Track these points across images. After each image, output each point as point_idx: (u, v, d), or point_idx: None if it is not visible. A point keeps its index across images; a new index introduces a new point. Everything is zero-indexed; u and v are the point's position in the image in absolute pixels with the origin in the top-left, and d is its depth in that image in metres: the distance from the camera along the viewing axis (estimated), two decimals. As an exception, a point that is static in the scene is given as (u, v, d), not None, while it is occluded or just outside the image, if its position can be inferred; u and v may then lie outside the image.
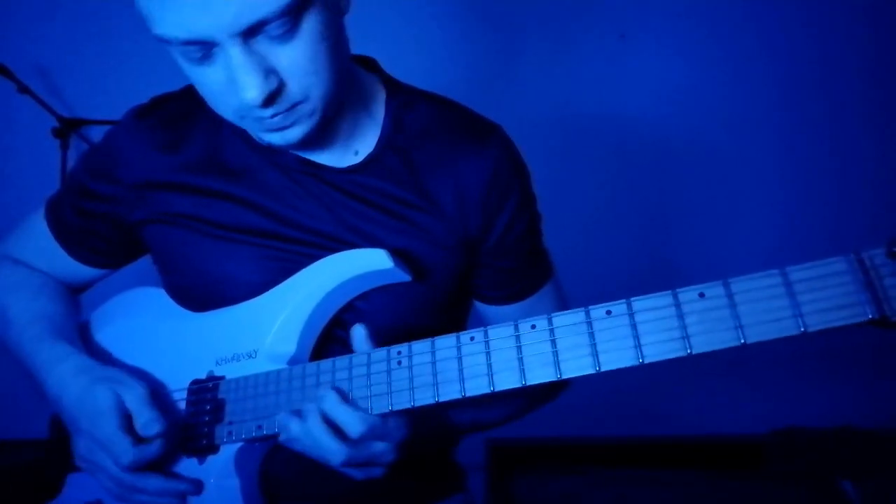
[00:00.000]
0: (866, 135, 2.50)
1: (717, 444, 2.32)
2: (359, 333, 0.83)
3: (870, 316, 0.62)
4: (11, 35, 2.58)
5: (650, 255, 2.57)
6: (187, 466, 0.89)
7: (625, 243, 2.58)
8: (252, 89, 0.73)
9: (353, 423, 0.77)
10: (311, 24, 0.74)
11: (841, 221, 2.41)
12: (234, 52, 0.72)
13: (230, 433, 0.86)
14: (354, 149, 0.94)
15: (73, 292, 1.11)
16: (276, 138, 0.82)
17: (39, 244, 1.05)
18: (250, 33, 0.71)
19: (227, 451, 0.87)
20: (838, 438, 2.01)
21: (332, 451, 0.77)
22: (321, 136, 0.89)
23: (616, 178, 2.61)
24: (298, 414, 0.80)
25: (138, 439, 0.84)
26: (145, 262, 1.06)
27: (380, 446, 0.80)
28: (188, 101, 0.97)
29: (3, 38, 2.55)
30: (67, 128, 2.39)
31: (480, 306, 1.04)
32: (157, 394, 0.90)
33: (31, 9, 2.59)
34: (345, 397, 0.79)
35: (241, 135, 0.94)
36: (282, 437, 0.81)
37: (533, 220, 0.99)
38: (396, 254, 0.88)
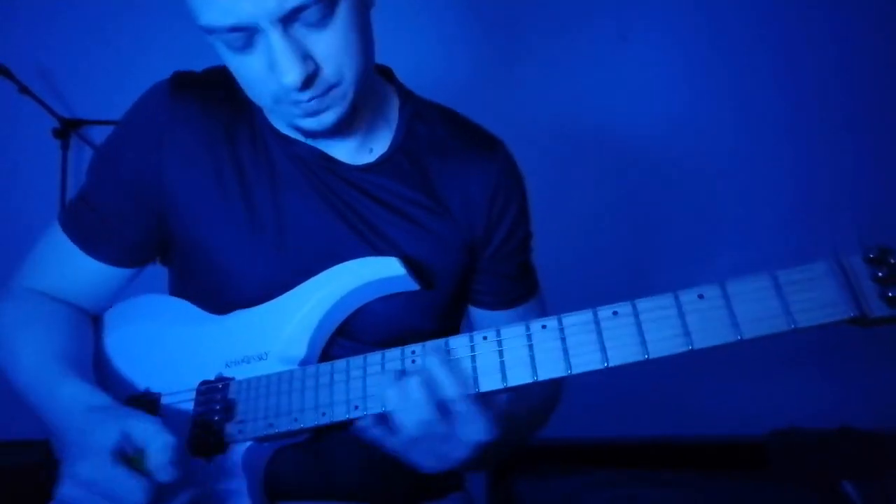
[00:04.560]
0: (869, 139, 2.51)
1: (717, 444, 2.32)
2: None
3: (851, 314, 0.69)
4: (11, 35, 2.57)
5: (650, 257, 2.57)
6: (194, 466, 0.89)
7: (625, 246, 2.58)
8: (291, 73, 0.77)
9: (450, 385, 0.76)
10: (344, 12, 0.79)
11: (840, 224, 2.41)
12: (275, 37, 0.76)
13: (241, 431, 0.87)
14: (369, 147, 0.98)
15: (92, 313, 1.06)
16: (311, 122, 0.86)
17: (55, 261, 1.02)
18: (289, 19, 0.76)
19: (235, 452, 0.88)
20: (839, 438, 2.01)
21: (421, 405, 0.76)
22: (346, 126, 0.91)
23: (617, 180, 2.61)
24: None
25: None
26: (152, 271, 1.06)
27: (461, 433, 0.78)
28: (220, 84, 0.97)
29: (3, 39, 2.55)
30: (67, 128, 2.39)
31: (472, 311, 1.09)
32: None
33: (32, 9, 2.59)
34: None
35: (260, 128, 0.96)
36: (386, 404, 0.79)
37: (528, 234, 1.06)
38: (407, 261, 0.91)
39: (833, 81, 2.52)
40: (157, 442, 0.75)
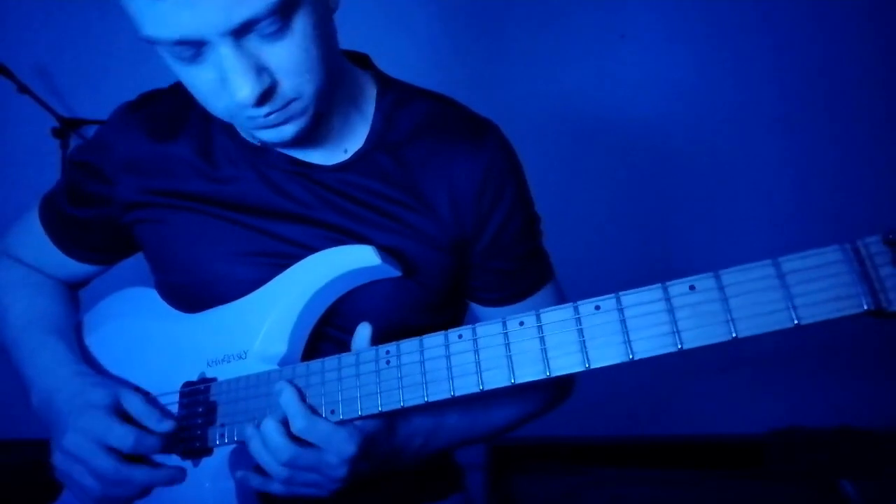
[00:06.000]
0: (867, 133, 2.50)
1: (717, 444, 2.31)
2: (362, 333, 0.83)
3: (865, 307, 0.61)
4: (11, 35, 2.58)
5: (651, 254, 2.56)
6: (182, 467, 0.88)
7: (625, 242, 2.58)
8: (244, 89, 0.72)
9: (297, 417, 0.78)
10: (301, 23, 0.73)
11: (842, 221, 2.41)
12: (226, 52, 0.70)
13: (222, 435, 0.85)
14: (344, 147, 0.93)
15: (72, 288, 1.12)
16: (270, 135, 0.81)
17: (35, 242, 1.06)
18: (241, 32, 0.70)
19: (221, 453, 0.86)
20: (838, 438, 2.01)
21: (279, 447, 0.77)
22: (313, 133, 0.87)
23: (616, 177, 2.61)
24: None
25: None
26: (140, 262, 1.05)
27: (328, 456, 0.78)
28: (177, 98, 0.96)
29: (3, 38, 2.56)
30: (67, 128, 2.39)
31: (475, 308, 1.03)
32: (153, 400, 0.91)
33: (31, 9, 2.60)
34: (301, 395, 0.80)
35: (230, 133, 0.94)
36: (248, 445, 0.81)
37: (530, 220, 0.98)
38: (386, 251, 0.87)
39: (840, 66, 2.51)
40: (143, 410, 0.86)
